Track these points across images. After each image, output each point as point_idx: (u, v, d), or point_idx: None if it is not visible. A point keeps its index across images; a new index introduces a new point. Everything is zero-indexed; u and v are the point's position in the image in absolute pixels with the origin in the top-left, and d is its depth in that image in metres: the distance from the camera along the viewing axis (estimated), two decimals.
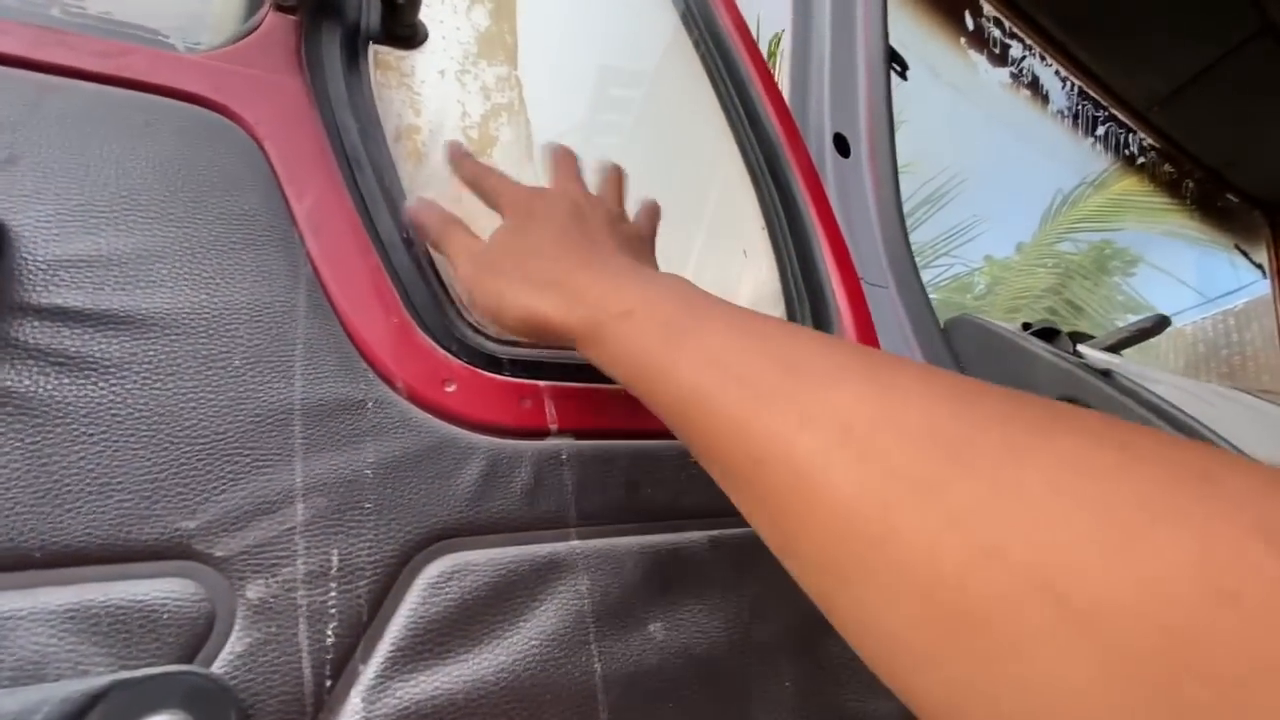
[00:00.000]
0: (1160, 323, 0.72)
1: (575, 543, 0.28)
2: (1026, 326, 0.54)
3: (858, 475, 0.18)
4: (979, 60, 1.11)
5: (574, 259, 0.32)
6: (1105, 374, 0.51)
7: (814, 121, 0.65)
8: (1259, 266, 1.94)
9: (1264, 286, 1.96)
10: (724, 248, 0.49)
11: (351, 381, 0.27)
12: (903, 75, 0.93)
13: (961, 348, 0.55)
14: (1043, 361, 0.48)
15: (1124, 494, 0.14)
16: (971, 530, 0.16)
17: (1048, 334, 0.52)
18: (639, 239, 0.39)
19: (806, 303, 0.47)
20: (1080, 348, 0.58)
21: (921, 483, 0.17)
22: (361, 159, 0.35)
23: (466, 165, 0.39)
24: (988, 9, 1.08)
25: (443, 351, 0.31)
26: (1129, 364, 0.61)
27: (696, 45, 0.54)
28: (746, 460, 0.21)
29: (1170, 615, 0.13)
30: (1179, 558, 0.13)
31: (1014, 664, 0.15)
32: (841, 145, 0.64)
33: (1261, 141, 1.59)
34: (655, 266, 0.39)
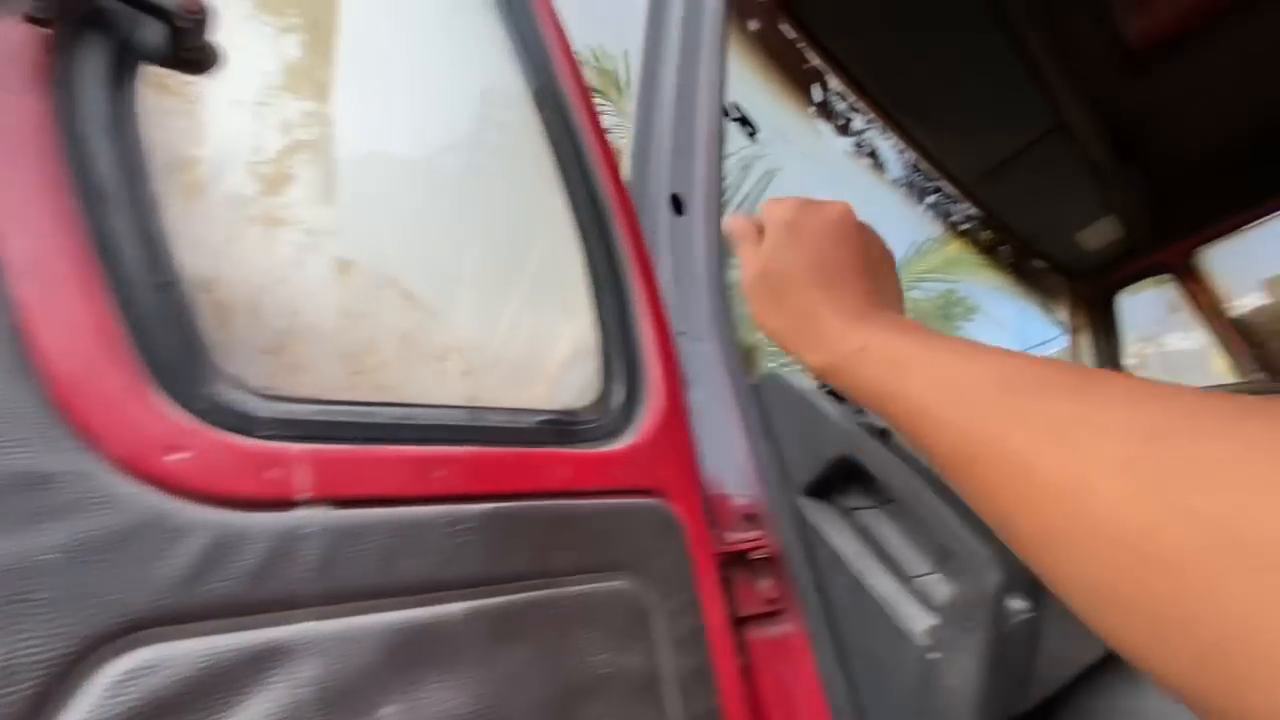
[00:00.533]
0: None
1: (308, 625, 0.27)
2: (823, 386, 0.59)
3: (1064, 460, 0.22)
4: (825, 129, 1.23)
5: (818, 293, 0.38)
6: (883, 433, 0.57)
7: (654, 181, 0.68)
8: (1060, 323, 2.27)
9: (1066, 340, 2.29)
10: (546, 302, 0.50)
11: (41, 452, 0.24)
12: (752, 137, 1.00)
13: (770, 403, 0.59)
14: (829, 421, 0.53)
15: None
16: (1165, 493, 0.19)
17: (838, 395, 0.57)
18: (886, 274, 0.43)
19: (619, 358, 0.49)
20: None
21: (1121, 462, 0.20)
22: (110, 192, 0.32)
23: (733, 226, 0.46)
24: (834, 84, 1.20)
25: (180, 413, 0.29)
26: None
27: (534, 103, 0.55)
28: (966, 460, 0.26)
29: None
30: None
31: (1211, 597, 0.17)
32: (677, 204, 0.67)
33: (1059, 218, 1.87)
34: (898, 292, 0.44)
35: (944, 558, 0.47)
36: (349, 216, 0.42)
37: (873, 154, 1.37)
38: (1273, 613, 0.16)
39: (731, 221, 0.46)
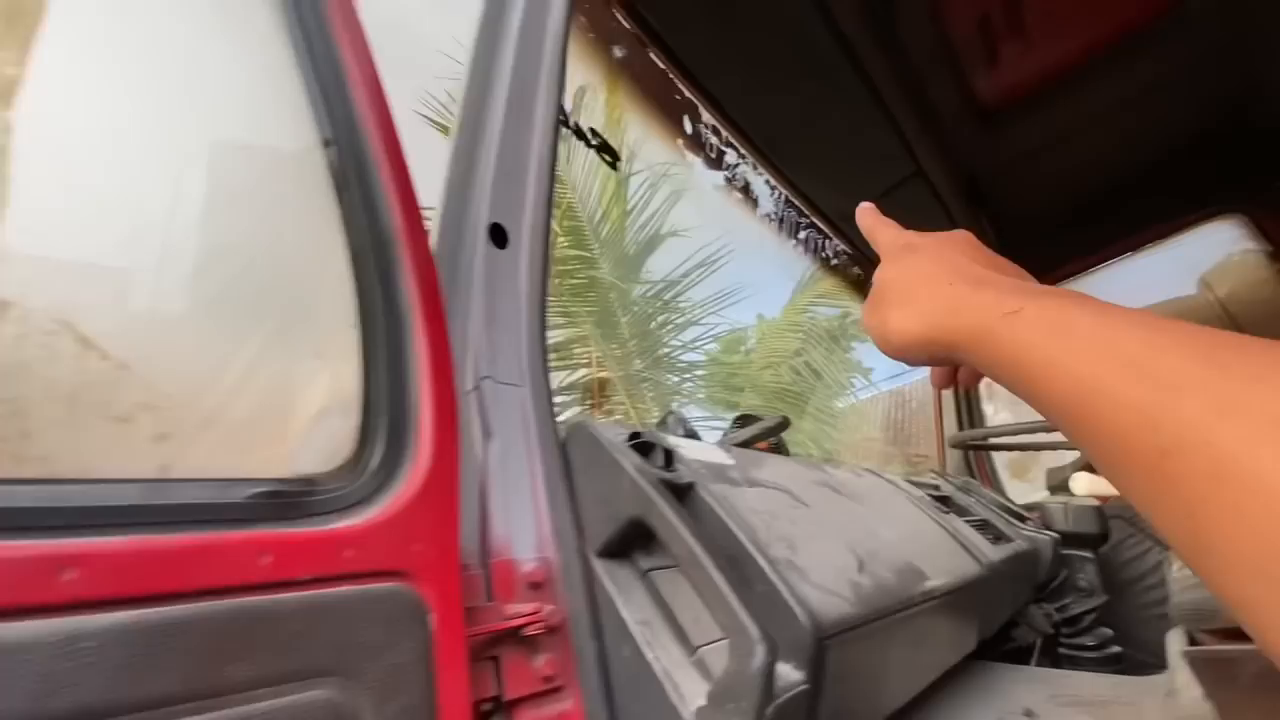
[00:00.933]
0: (781, 423, 0.81)
1: None
2: (636, 437, 0.56)
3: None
4: (695, 161, 1.23)
5: (958, 280, 0.35)
6: (681, 490, 0.55)
7: (474, 208, 0.63)
8: None
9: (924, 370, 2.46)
10: (296, 346, 0.44)
11: None
12: (614, 166, 0.98)
13: (575, 453, 0.56)
14: (627, 478, 0.50)
15: None
16: None
17: (644, 447, 0.55)
18: (1016, 269, 0.40)
19: (383, 412, 0.44)
20: (686, 451, 0.62)
21: None
22: None
23: (866, 217, 0.49)
24: (706, 116, 1.21)
25: None
26: (736, 467, 0.67)
27: (310, 109, 0.49)
28: (1153, 452, 0.21)
29: None
30: None
31: None
32: (499, 236, 0.63)
33: None
34: None
35: (724, 629, 0.45)
36: (10, 245, 0.34)
37: (745, 188, 1.39)
38: None
39: (867, 213, 0.49)
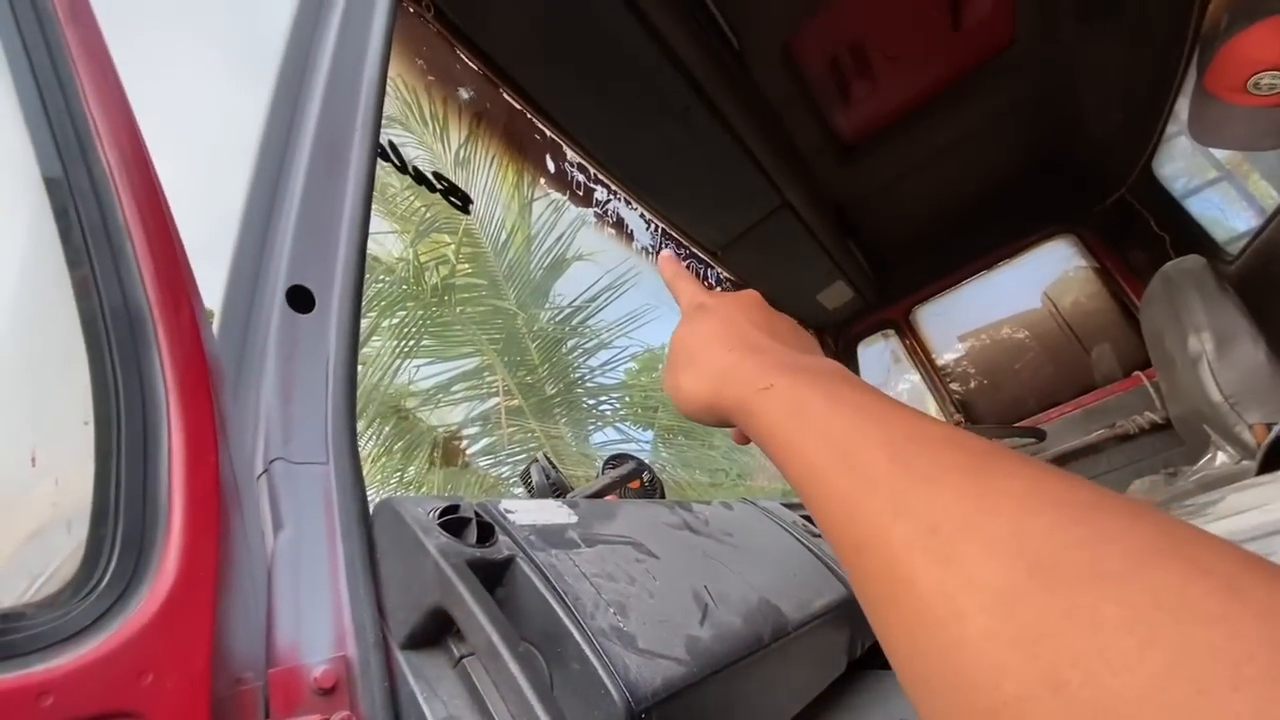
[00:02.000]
0: (637, 469, 0.80)
1: None
2: (451, 511, 0.53)
3: (938, 576, 0.18)
4: (561, 198, 1.23)
5: (734, 347, 0.38)
6: (506, 563, 0.53)
7: (270, 269, 0.58)
8: None
9: None
10: (4, 451, 0.38)
11: None
12: (464, 209, 0.96)
13: (381, 535, 0.52)
14: (429, 560, 0.47)
15: (1210, 645, 0.12)
16: (1038, 656, 0.15)
17: (456, 524, 0.52)
18: (793, 331, 0.43)
19: (120, 520, 0.39)
20: (519, 516, 0.60)
21: (997, 596, 0.16)
22: None
23: (668, 266, 0.53)
24: (571, 155, 1.21)
25: None
26: (578, 524, 0.66)
27: (35, 150, 0.43)
28: (851, 546, 0.22)
29: None
30: None
31: None
32: (301, 299, 0.58)
33: (800, 283, 2.10)
34: (819, 354, 0.41)
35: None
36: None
37: (619, 223, 1.41)
38: None
39: (666, 260, 0.53)
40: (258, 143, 0.63)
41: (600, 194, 1.31)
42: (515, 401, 5.01)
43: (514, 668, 0.42)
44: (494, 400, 5.27)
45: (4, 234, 0.42)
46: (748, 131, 1.36)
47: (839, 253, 1.99)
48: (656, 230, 1.53)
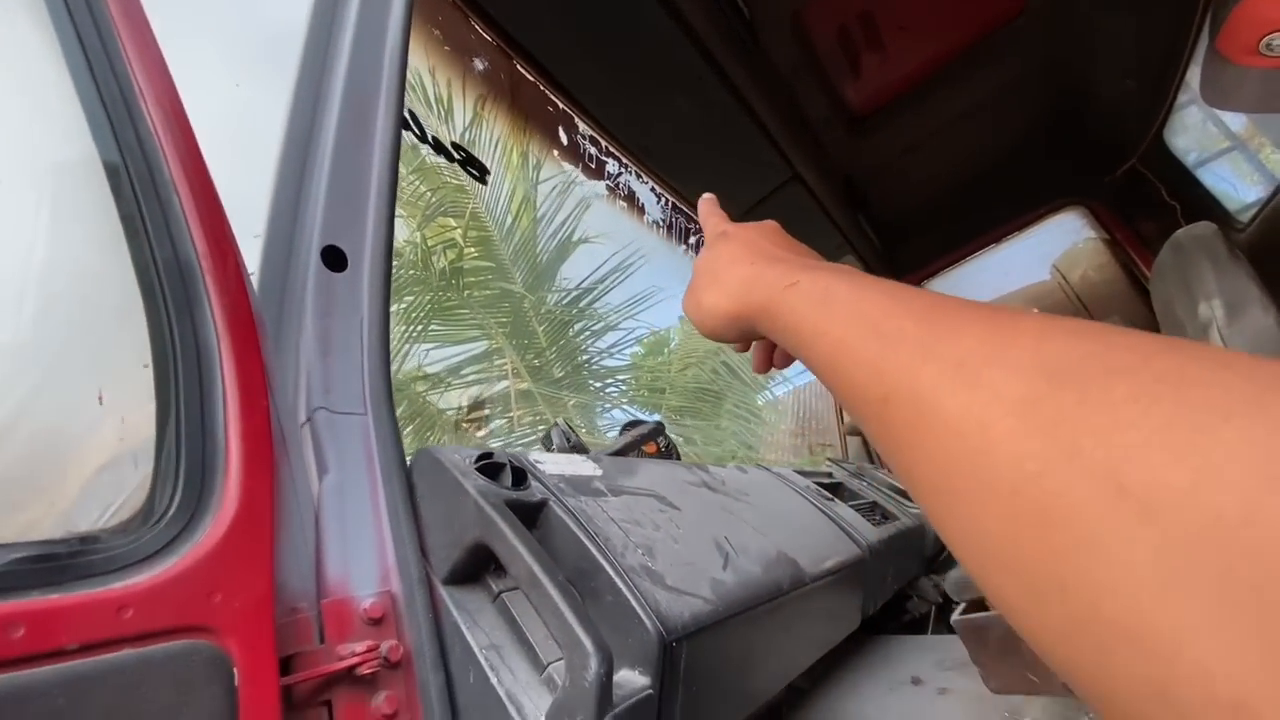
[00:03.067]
0: (657, 428, 0.82)
1: None
2: (485, 458, 0.55)
3: (965, 400, 0.19)
4: (574, 171, 1.24)
5: (756, 260, 0.39)
6: (540, 505, 0.55)
7: (305, 230, 0.60)
8: None
9: None
10: (68, 394, 0.40)
11: None
12: (482, 180, 0.97)
13: (420, 481, 0.55)
14: (470, 501, 0.49)
15: (1205, 398, 0.14)
16: (1055, 435, 0.16)
17: (492, 468, 0.54)
18: (811, 252, 0.45)
19: (180, 457, 0.41)
20: (548, 467, 0.62)
21: (1019, 402, 0.18)
22: None
23: (705, 205, 0.56)
24: (583, 127, 1.22)
25: None
26: (603, 477, 0.68)
27: (93, 125, 0.45)
28: (878, 399, 0.24)
29: (1223, 499, 0.13)
30: (1240, 450, 0.13)
31: (1083, 556, 0.15)
32: (335, 259, 0.60)
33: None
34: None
35: (561, 645, 0.45)
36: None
37: (630, 196, 1.41)
38: (1144, 577, 0.14)
39: (707, 202, 0.56)
40: (287, 109, 0.64)
41: (612, 167, 1.32)
42: (524, 384, 5.05)
43: (555, 594, 0.44)
44: (504, 383, 5.31)
45: (62, 192, 0.43)
46: (759, 102, 1.37)
47: (849, 226, 1.99)
48: (667, 204, 1.53)
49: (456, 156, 0.87)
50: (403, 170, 4.67)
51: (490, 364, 5.03)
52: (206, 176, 0.50)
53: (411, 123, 0.84)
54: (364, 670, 0.44)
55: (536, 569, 0.45)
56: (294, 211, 0.61)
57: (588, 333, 5.62)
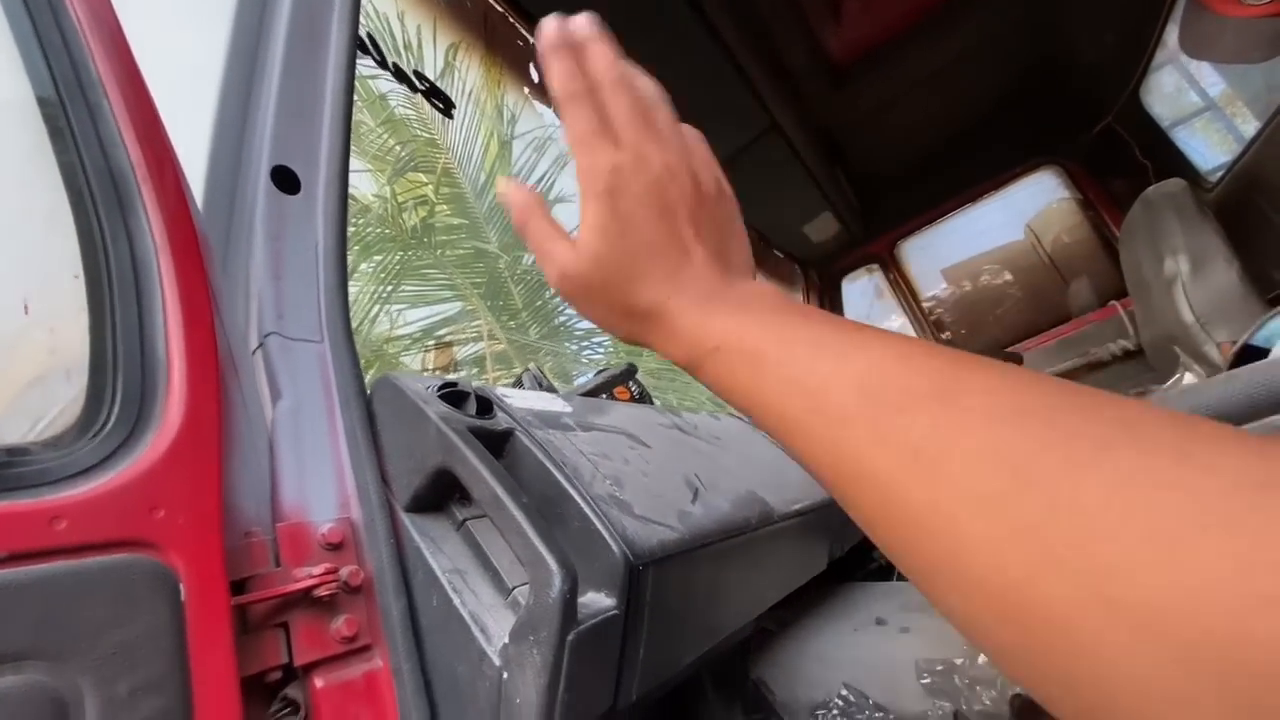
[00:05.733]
0: (629, 370, 0.82)
1: None
2: (448, 386, 0.54)
3: (928, 495, 0.19)
4: (545, 111, 1.19)
5: (661, 285, 0.32)
6: (506, 434, 0.54)
7: (253, 150, 0.57)
8: None
9: None
10: None
11: None
12: (447, 113, 0.93)
13: (381, 409, 0.53)
14: (431, 426, 0.48)
15: (1177, 505, 0.15)
16: (1033, 543, 0.16)
17: (455, 397, 0.53)
18: (728, 219, 0.38)
19: (120, 371, 0.39)
20: (515, 401, 0.61)
21: (986, 499, 0.18)
22: None
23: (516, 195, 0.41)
24: None
25: None
26: (572, 414, 0.67)
27: (10, 23, 0.41)
28: (843, 479, 0.23)
29: (1212, 620, 0.13)
30: (1222, 565, 0.13)
31: (1085, 660, 0.15)
32: (285, 180, 0.57)
33: (786, 212, 2.09)
34: (741, 235, 0.38)
35: (525, 565, 0.44)
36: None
37: None
38: (1149, 689, 0.14)
39: (513, 191, 0.39)
40: (231, 18, 0.60)
41: None
42: (500, 346, 5.00)
43: (519, 515, 0.43)
44: (479, 345, 5.24)
45: None
46: (739, 47, 1.32)
47: (827, 182, 1.98)
48: None
49: (420, 86, 0.82)
50: (370, 123, 4.50)
51: (465, 325, 4.96)
52: (139, 79, 0.47)
53: (370, 46, 0.79)
54: (322, 593, 0.43)
55: (500, 490, 0.44)
56: (240, 129, 0.58)
57: None
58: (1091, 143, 2.09)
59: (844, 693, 0.92)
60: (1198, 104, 2.50)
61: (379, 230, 4.25)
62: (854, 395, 0.23)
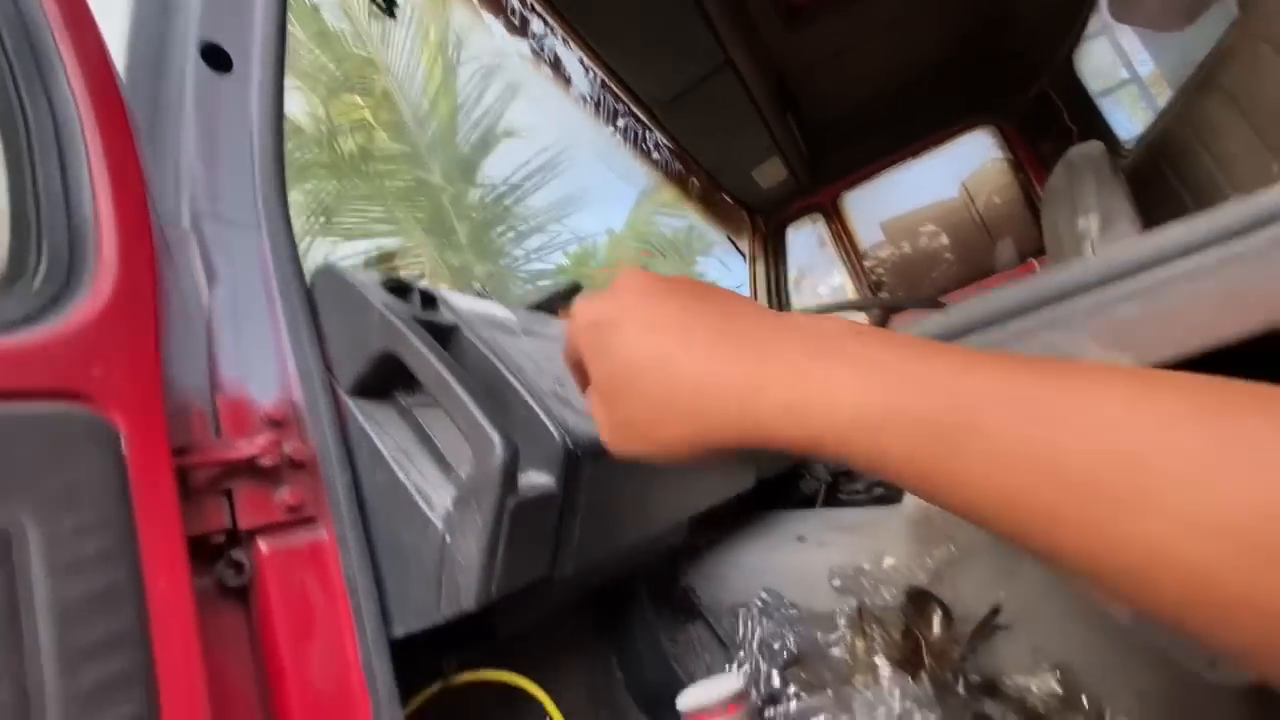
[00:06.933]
0: (574, 288, 0.83)
1: None
2: (393, 280, 0.54)
3: (1271, 581, 0.16)
4: (494, 24, 1.15)
5: (727, 361, 0.25)
6: (451, 329, 0.55)
7: (178, 24, 0.54)
8: (741, 253, 2.62)
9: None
10: None
11: None
12: (390, 12, 0.88)
13: (323, 297, 0.53)
14: (375, 313, 0.49)
15: None
16: None
17: (400, 289, 0.53)
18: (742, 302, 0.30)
19: (44, 230, 0.38)
20: (458, 303, 0.62)
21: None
22: None
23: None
24: None
25: None
26: (516, 322, 0.68)
27: None
28: (1113, 569, 0.18)
29: None
30: None
31: None
32: (217, 59, 0.54)
33: (736, 154, 2.10)
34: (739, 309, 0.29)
35: (468, 439, 0.47)
36: None
37: (556, 63, 1.34)
38: None
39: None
40: None
41: (537, 26, 1.23)
42: (444, 285, 4.85)
43: (462, 393, 0.45)
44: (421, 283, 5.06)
45: None
46: None
47: (778, 126, 1.99)
48: (595, 78, 1.46)
49: None
50: (301, 36, 4.17)
51: (406, 261, 4.79)
52: None
53: None
54: (265, 462, 0.44)
55: (444, 370, 0.46)
56: (162, 2, 0.54)
57: (512, 232, 5.42)
58: (1026, 105, 2.18)
59: (763, 595, 1.00)
60: (1124, 77, 2.62)
61: (312, 154, 4.00)
62: (1113, 465, 0.18)
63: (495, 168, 5.37)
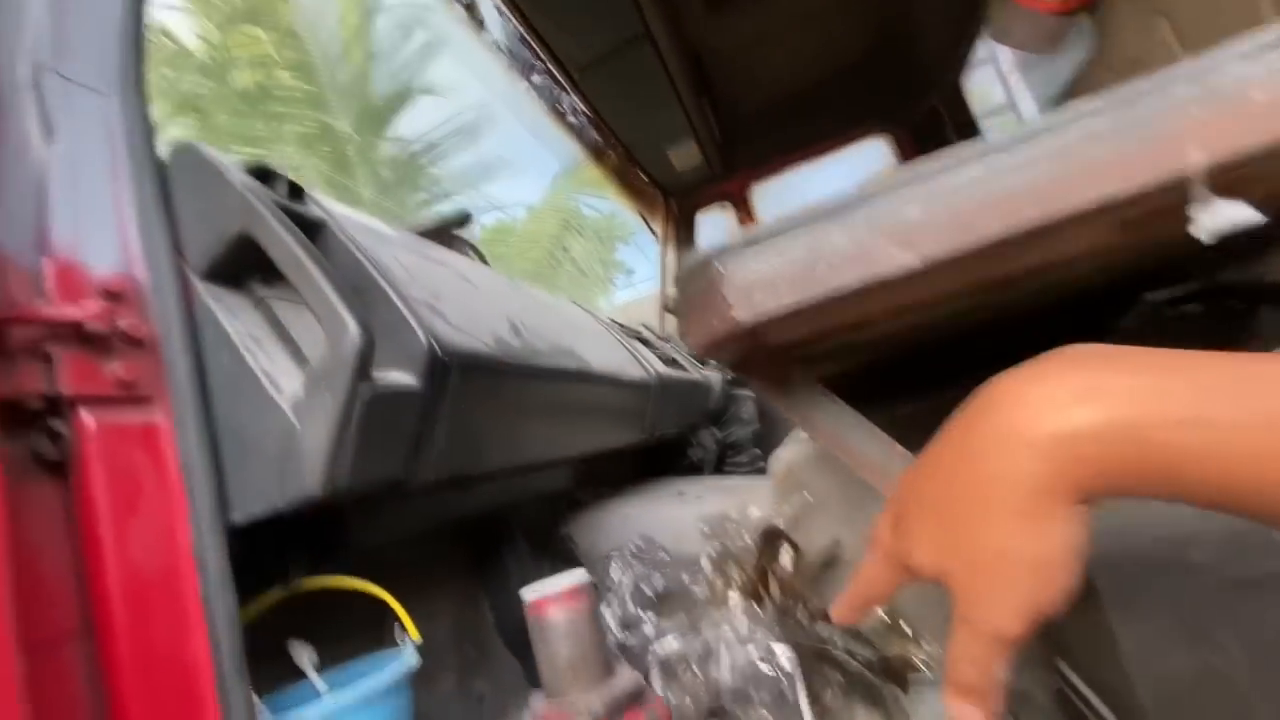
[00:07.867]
0: (464, 217, 0.83)
1: None
2: (256, 168, 0.52)
3: None
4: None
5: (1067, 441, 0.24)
6: (318, 225, 0.54)
7: None
8: (654, 233, 2.66)
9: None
10: None
11: None
12: None
13: (180, 175, 0.50)
14: (234, 194, 0.47)
15: None
16: None
17: (265, 175, 0.52)
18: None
19: None
20: (337, 210, 0.60)
21: None
22: None
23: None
24: None
25: None
26: (396, 239, 0.67)
27: None
28: None
29: None
30: None
31: None
32: None
33: (652, 130, 2.13)
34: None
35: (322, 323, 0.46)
36: None
37: (470, 6, 1.30)
38: None
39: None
40: None
41: None
42: None
43: (319, 277, 0.45)
44: None
45: None
46: None
47: (694, 108, 2.04)
48: (514, 32, 1.44)
49: None
50: None
51: None
52: None
53: None
54: (94, 328, 0.41)
55: (302, 254, 0.46)
56: None
57: (425, 195, 5.19)
58: (919, 117, 2.36)
59: (637, 541, 1.05)
60: (1004, 104, 2.88)
61: (202, 84, 3.63)
62: None
63: (411, 126, 5.12)
